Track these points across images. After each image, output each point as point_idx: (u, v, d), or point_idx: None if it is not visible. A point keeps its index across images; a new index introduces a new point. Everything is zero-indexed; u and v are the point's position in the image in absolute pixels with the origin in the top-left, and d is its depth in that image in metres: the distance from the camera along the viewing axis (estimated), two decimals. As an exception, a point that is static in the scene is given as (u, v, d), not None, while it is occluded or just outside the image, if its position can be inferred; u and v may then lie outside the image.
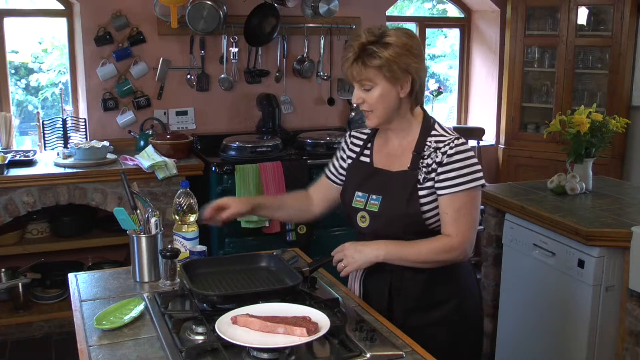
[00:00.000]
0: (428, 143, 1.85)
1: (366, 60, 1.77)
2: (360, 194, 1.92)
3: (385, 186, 1.88)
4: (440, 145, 1.83)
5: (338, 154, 2.08)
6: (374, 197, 1.89)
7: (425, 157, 1.84)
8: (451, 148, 1.81)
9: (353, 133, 2.05)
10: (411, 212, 1.83)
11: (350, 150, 2.02)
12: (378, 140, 1.97)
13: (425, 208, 1.83)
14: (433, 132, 1.87)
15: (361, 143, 2.01)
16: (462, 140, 1.84)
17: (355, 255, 1.85)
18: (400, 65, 1.77)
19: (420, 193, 1.83)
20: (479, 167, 1.84)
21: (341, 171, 2.05)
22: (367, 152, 1.98)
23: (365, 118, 1.90)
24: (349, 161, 2.01)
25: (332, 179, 2.08)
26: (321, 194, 2.11)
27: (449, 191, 1.80)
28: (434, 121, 1.92)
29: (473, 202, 1.83)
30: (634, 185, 3.42)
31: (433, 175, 1.82)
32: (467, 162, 1.81)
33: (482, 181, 1.84)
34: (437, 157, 1.82)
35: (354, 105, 1.89)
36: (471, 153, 1.83)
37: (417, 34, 1.95)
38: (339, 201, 2.06)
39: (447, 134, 1.86)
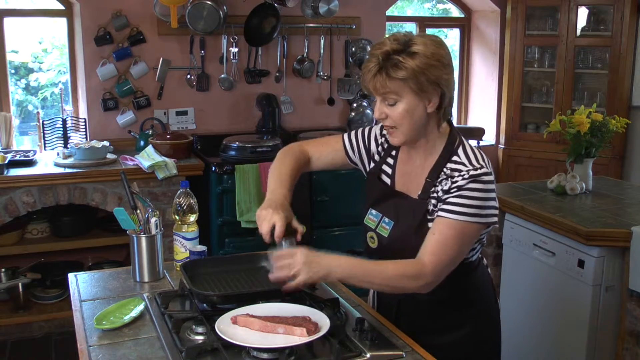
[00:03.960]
0: (445, 169, 1.67)
1: (390, 72, 1.58)
2: (374, 212, 1.79)
3: (399, 211, 1.74)
4: (455, 174, 1.64)
5: (366, 140, 1.88)
6: (386, 220, 1.75)
7: (437, 184, 1.67)
8: (464, 179, 1.62)
9: (384, 133, 1.82)
10: (419, 244, 1.65)
11: (378, 152, 1.85)
12: (402, 152, 1.80)
13: None
14: (454, 158, 1.67)
15: (386, 146, 1.83)
16: (482, 170, 1.63)
17: (305, 268, 1.59)
18: (429, 77, 1.59)
19: (430, 225, 1.67)
20: (493, 203, 1.64)
21: (364, 156, 1.87)
22: (390, 161, 1.82)
23: (388, 133, 1.72)
24: (372, 165, 1.85)
25: (351, 158, 1.90)
26: (329, 162, 1.93)
27: (448, 215, 1.62)
28: (459, 143, 1.71)
29: (466, 238, 1.63)
30: (634, 185, 3.42)
31: (440, 204, 1.65)
32: (480, 195, 1.61)
33: (491, 220, 1.64)
34: (446, 185, 1.65)
35: (377, 119, 1.72)
36: (490, 187, 1.63)
37: (433, 35, 1.76)
38: (336, 169, 1.97)
39: (467, 163, 1.65)
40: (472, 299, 1.80)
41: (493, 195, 1.65)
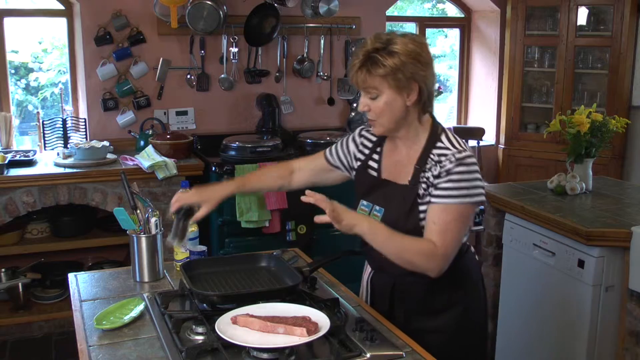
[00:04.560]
0: (431, 156, 1.79)
1: (371, 69, 1.73)
2: (365, 202, 1.90)
3: (388, 198, 1.84)
4: (442, 159, 1.76)
5: (344, 143, 2.02)
6: (377, 208, 1.86)
7: (427, 170, 1.78)
8: (451, 162, 1.74)
9: (364, 133, 1.99)
10: (410, 227, 1.78)
11: (360, 151, 1.98)
12: (388, 145, 1.92)
13: (424, 223, 1.78)
14: (438, 144, 1.80)
15: (370, 145, 1.96)
16: (465, 153, 1.76)
17: (342, 214, 1.74)
18: (406, 73, 1.72)
19: (420, 208, 1.78)
20: (479, 183, 1.76)
21: (342, 158, 2.02)
22: (375, 156, 1.93)
23: (370, 124, 1.85)
24: (358, 163, 1.97)
25: (330, 161, 2.05)
26: (311, 171, 2.10)
27: (442, 201, 1.74)
28: (442, 130, 1.84)
29: (463, 219, 1.76)
30: (634, 185, 3.42)
31: (431, 189, 1.77)
32: (467, 177, 1.74)
33: (480, 198, 1.76)
34: (435, 170, 1.76)
35: (361, 111, 1.84)
36: (474, 168, 1.76)
37: (417, 34, 1.90)
38: (322, 182, 2.08)
39: (451, 147, 1.78)
40: (461, 282, 1.90)
41: (478, 175, 1.78)
